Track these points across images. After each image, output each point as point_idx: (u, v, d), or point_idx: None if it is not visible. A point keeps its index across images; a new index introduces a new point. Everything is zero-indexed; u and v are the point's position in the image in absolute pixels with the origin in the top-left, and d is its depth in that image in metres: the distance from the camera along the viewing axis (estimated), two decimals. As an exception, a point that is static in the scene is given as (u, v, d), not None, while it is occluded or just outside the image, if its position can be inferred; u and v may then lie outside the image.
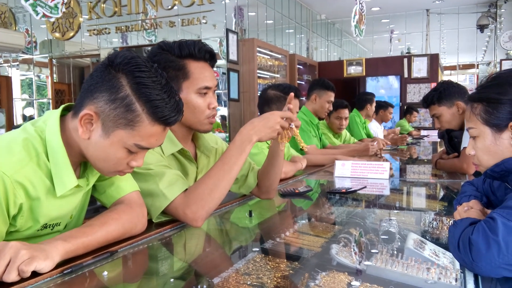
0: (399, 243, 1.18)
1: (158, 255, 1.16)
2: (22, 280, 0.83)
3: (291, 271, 0.97)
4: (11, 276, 0.81)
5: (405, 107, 8.25)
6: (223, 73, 6.66)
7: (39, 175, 0.98)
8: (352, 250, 1.13)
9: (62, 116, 1.05)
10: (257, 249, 1.13)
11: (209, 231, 1.38)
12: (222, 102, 6.87)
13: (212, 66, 1.41)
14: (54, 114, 1.04)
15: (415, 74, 8.79)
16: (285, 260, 1.04)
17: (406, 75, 8.87)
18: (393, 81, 9.10)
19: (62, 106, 1.07)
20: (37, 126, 1.02)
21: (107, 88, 0.96)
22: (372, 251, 1.09)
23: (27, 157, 0.97)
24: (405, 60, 8.89)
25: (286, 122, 1.34)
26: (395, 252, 1.07)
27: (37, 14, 4.63)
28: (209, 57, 1.38)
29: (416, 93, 8.76)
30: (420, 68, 8.75)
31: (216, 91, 1.44)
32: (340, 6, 9.54)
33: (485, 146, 1.06)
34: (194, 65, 1.34)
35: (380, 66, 9.19)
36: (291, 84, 7.99)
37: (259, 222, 1.52)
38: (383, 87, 9.23)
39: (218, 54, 6.60)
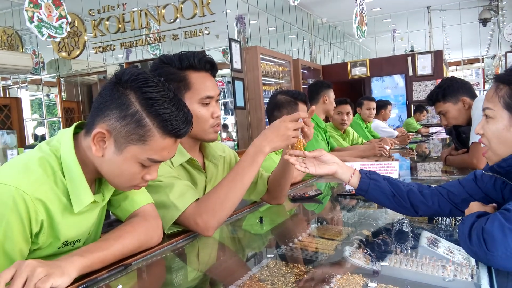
0: (412, 242, 1.17)
1: (172, 266, 1.17)
2: (39, 297, 0.84)
3: (305, 276, 0.97)
4: None
5: (415, 106, 8.21)
6: (228, 82, 6.69)
7: (56, 193, 0.99)
8: (366, 251, 1.12)
9: (75, 134, 1.07)
10: (271, 255, 1.13)
11: (222, 239, 1.38)
12: (229, 111, 6.90)
13: (214, 76, 1.42)
14: (67, 133, 1.05)
15: (420, 72, 8.74)
16: (299, 265, 1.04)
17: (411, 73, 8.83)
18: (399, 80, 9.06)
19: (74, 124, 1.08)
20: (51, 145, 1.04)
21: (117, 105, 0.98)
22: (386, 251, 1.09)
23: (44, 175, 0.98)
24: (409, 59, 8.85)
25: (298, 125, 1.32)
26: (409, 251, 1.07)
27: (43, 35, 4.69)
28: (210, 67, 1.39)
29: (422, 91, 8.71)
30: (424, 65, 8.71)
31: (222, 100, 1.45)
32: (341, 9, 9.55)
33: (498, 130, 1.03)
34: (195, 76, 1.36)
35: (385, 65, 9.16)
36: (296, 88, 8.04)
37: (271, 228, 1.52)
38: (388, 87, 9.20)
39: (222, 63, 6.65)
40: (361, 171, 1.32)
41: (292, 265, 1.04)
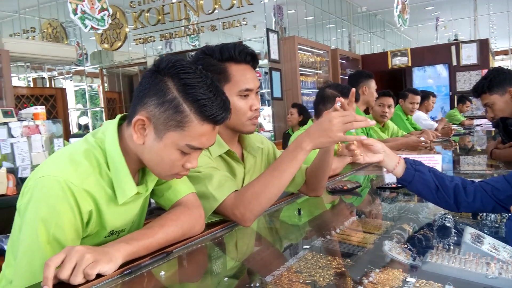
0: (455, 238, 1.14)
1: (212, 255, 1.19)
2: (86, 281, 0.87)
3: (343, 269, 0.97)
4: (77, 279, 0.85)
5: (458, 97, 7.94)
6: (265, 73, 6.68)
7: (101, 185, 1.02)
8: (406, 246, 1.11)
9: (119, 125, 1.10)
10: (308, 247, 1.13)
11: (259, 230, 1.40)
12: (266, 102, 6.89)
13: (254, 68, 1.41)
14: (111, 125, 1.08)
15: (464, 62, 8.43)
16: (337, 258, 1.04)
17: (454, 63, 8.52)
18: (441, 70, 8.77)
19: (118, 116, 1.11)
20: (97, 137, 1.07)
21: (155, 92, 0.99)
22: (427, 246, 1.07)
23: (90, 167, 1.01)
24: (453, 48, 8.54)
25: (348, 126, 1.22)
26: (452, 247, 1.04)
27: (86, 27, 4.84)
28: (250, 59, 1.38)
29: (466, 81, 8.40)
30: (469, 55, 8.38)
31: (259, 91, 1.44)
32: (382, -4, 9.32)
33: None
34: (235, 68, 1.35)
35: (427, 55, 8.89)
36: (335, 79, 7.93)
37: (309, 220, 1.52)
38: (430, 77, 8.92)
39: (259, 53, 6.64)
40: (406, 160, 1.28)
41: (329, 258, 1.04)
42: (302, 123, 5.65)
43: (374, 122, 1.28)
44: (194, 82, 0.99)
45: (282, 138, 6.04)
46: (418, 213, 1.49)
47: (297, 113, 5.68)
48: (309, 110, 5.83)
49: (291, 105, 5.96)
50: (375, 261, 1.01)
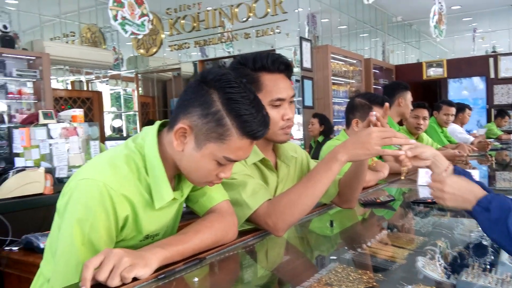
0: (492, 257, 1.11)
1: (243, 263, 1.20)
2: (122, 284, 0.89)
3: (375, 283, 0.96)
4: (114, 282, 0.87)
5: (496, 110, 7.71)
6: (297, 81, 6.68)
7: (139, 189, 1.05)
8: (440, 263, 1.09)
9: (159, 131, 1.12)
10: (339, 259, 1.12)
11: (291, 239, 1.40)
12: (296, 110, 6.89)
13: (289, 77, 1.40)
14: (151, 131, 1.11)
15: (502, 74, 8.20)
16: (368, 272, 1.03)
17: (492, 76, 8.30)
18: (478, 82, 8.56)
19: (158, 123, 1.14)
20: (137, 143, 1.10)
21: (200, 103, 1.01)
22: (462, 264, 1.04)
23: (130, 172, 1.04)
24: (491, 60, 8.33)
25: (386, 141, 1.22)
26: (488, 267, 1.02)
27: (126, 32, 4.96)
28: (284, 68, 1.37)
29: (504, 95, 8.16)
30: (508, 67, 8.15)
31: (294, 101, 1.43)
32: (418, 6, 9.17)
33: None
34: (268, 78, 1.35)
35: (463, 66, 8.69)
36: (367, 88, 7.85)
37: (340, 232, 1.51)
38: (466, 89, 8.71)
39: (292, 63, 6.64)
40: (455, 168, 1.23)
41: (360, 271, 1.03)
42: (324, 133, 5.60)
43: (414, 141, 1.26)
44: (238, 97, 1.01)
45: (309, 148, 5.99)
46: (453, 229, 1.46)
47: (318, 123, 5.61)
48: (341, 119, 5.77)
49: (312, 115, 5.91)
50: (407, 277, 1.00)
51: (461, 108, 5.53)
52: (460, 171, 1.23)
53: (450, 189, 1.11)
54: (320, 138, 5.60)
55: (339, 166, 1.26)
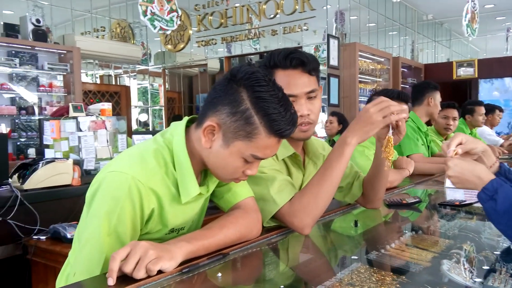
0: (520, 263, 1.09)
1: (266, 260, 1.20)
2: (148, 276, 0.91)
3: (398, 285, 0.95)
4: (140, 274, 0.89)
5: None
6: (322, 78, 6.63)
7: (166, 183, 1.07)
8: (465, 267, 1.07)
9: (187, 127, 1.14)
10: (362, 260, 1.12)
11: (314, 238, 1.39)
12: (322, 108, 6.84)
13: (309, 72, 1.35)
14: (180, 126, 1.12)
15: (536, 75, 7.94)
16: (391, 273, 1.02)
17: (526, 77, 8.05)
18: (510, 83, 8.32)
19: (186, 118, 1.15)
20: (165, 138, 1.11)
21: (229, 101, 1.02)
22: (490, 269, 1.02)
23: (158, 166, 1.06)
24: (525, 60, 8.07)
25: (385, 110, 1.24)
26: (516, 273, 1.00)
27: (155, 28, 5.03)
28: (298, 63, 1.33)
29: (538, 96, 7.91)
30: (542, 68, 7.88)
31: (314, 96, 1.38)
32: (450, 5, 8.96)
33: None
34: (281, 74, 1.33)
35: (495, 67, 8.45)
36: (395, 87, 7.73)
37: (364, 232, 1.50)
38: (497, 90, 8.48)
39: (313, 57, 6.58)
40: (501, 165, 1.19)
41: (383, 273, 1.02)
42: (341, 132, 5.51)
43: (405, 106, 1.26)
44: (267, 96, 1.01)
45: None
46: (480, 233, 1.43)
47: (337, 122, 5.51)
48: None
49: (330, 113, 5.82)
50: (432, 280, 0.98)
51: (491, 109, 5.40)
52: (506, 169, 1.19)
53: (452, 172, 1.15)
54: (336, 138, 5.53)
55: (351, 149, 1.27)
